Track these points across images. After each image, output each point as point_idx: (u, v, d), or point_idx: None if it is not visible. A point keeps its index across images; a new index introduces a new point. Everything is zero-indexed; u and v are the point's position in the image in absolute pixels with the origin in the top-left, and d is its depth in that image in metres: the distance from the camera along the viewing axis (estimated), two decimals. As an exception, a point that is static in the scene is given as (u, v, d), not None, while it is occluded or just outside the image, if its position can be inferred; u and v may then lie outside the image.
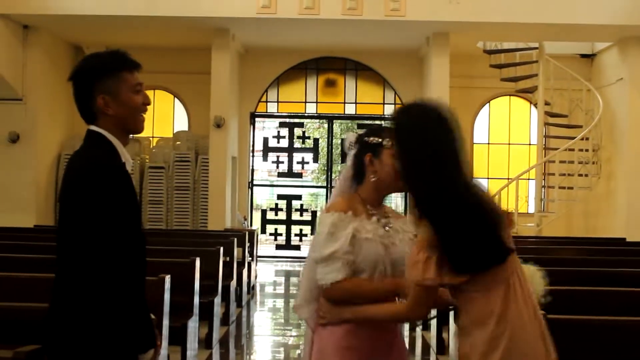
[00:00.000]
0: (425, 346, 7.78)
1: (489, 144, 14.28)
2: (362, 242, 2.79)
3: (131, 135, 2.96)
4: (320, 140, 14.54)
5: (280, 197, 14.66)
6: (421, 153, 2.49)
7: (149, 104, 2.88)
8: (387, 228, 2.89)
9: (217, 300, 7.36)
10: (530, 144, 14.02)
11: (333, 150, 14.56)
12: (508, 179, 13.08)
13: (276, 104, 14.25)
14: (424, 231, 2.47)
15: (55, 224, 12.72)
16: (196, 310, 6.11)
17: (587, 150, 12.42)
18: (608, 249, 8.75)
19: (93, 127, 2.77)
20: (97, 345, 2.54)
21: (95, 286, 2.54)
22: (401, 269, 2.75)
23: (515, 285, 2.48)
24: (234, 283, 8.63)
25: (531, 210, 12.67)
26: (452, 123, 2.52)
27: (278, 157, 14.32)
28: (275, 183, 15.71)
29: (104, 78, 2.71)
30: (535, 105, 12.61)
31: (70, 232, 2.63)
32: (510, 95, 14.03)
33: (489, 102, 14.23)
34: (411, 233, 2.84)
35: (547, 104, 12.58)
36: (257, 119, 14.35)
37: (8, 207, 11.89)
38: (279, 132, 14.24)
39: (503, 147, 14.29)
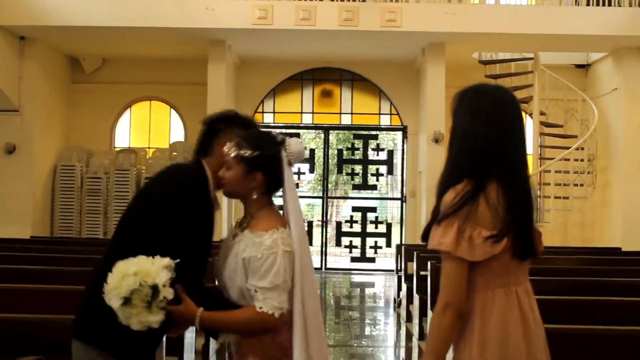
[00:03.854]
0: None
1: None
2: None
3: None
4: (316, 151, 14.52)
5: (276, 207, 14.61)
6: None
7: (222, 179, 2.98)
8: (231, 239, 2.96)
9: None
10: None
11: (329, 160, 14.57)
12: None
13: (272, 114, 14.26)
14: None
15: (50, 235, 12.78)
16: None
17: (582, 160, 12.46)
18: (603, 259, 8.79)
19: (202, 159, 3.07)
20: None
21: None
22: (224, 283, 2.90)
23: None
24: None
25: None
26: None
27: (274, 167, 14.25)
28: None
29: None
30: (531, 115, 12.64)
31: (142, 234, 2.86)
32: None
33: (484, 112, 14.20)
34: (244, 246, 2.84)
35: (542, 114, 12.63)
36: (253, 130, 14.32)
37: (3, 218, 11.90)
38: (275, 142, 14.18)
39: (499, 157, 14.23)
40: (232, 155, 2.90)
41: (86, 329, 2.87)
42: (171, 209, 2.81)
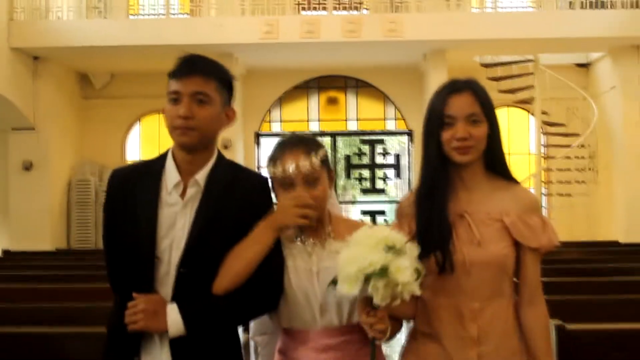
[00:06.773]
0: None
1: (489, 154, 14.40)
2: None
3: None
4: (324, 157, 14.71)
5: (287, 213, 14.78)
6: None
7: (182, 116, 2.48)
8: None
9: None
10: (529, 153, 14.19)
11: (337, 166, 14.79)
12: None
13: (279, 123, 14.50)
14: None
15: (68, 247, 13.06)
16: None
17: (583, 157, 12.67)
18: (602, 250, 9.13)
19: None
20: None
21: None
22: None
23: None
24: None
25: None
26: None
27: (283, 174, 14.43)
28: (281, 200, 15.81)
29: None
30: (533, 115, 12.84)
31: None
32: (508, 106, 14.08)
33: (487, 113, 14.33)
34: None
35: (544, 113, 12.81)
36: (261, 138, 14.58)
37: (23, 233, 12.22)
38: (283, 150, 14.38)
39: (503, 157, 14.38)
40: (317, 163, 2.43)
41: None
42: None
